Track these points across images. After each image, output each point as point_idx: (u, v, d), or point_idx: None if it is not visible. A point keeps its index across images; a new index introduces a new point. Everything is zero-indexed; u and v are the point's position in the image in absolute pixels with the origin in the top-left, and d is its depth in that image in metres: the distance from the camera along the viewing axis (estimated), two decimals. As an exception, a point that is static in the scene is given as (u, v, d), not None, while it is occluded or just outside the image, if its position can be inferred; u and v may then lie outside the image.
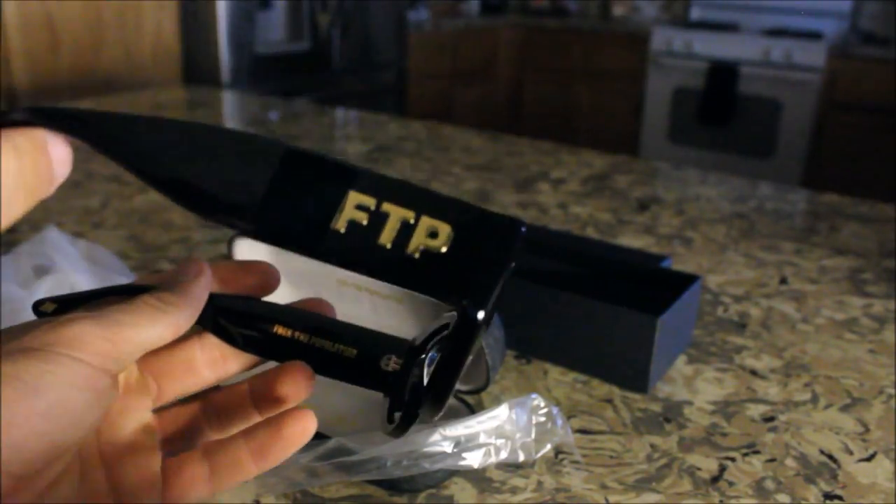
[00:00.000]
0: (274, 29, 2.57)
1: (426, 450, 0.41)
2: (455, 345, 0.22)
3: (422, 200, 0.21)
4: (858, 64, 2.99)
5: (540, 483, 0.47)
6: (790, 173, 3.15)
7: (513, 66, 3.87)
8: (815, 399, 0.58)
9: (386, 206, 0.21)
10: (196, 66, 2.39)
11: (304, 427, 0.27)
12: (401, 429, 0.26)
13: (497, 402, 0.51)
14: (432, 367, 0.25)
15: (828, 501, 0.46)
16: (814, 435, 0.53)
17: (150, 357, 0.27)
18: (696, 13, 3.71)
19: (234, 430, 0.29)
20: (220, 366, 0.29)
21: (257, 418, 0.29)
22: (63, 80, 2.08)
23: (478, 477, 0.47)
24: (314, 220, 0.21)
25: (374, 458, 0.41)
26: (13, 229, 0.72)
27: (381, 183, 0.22)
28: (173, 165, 0.22)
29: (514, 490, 0.46)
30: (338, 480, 0.42)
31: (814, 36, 3.17)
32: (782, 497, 0.47)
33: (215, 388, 0.30)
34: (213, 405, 0.29)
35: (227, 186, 0.22)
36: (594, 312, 0.57)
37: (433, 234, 0.21)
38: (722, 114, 3.28)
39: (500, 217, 0.22)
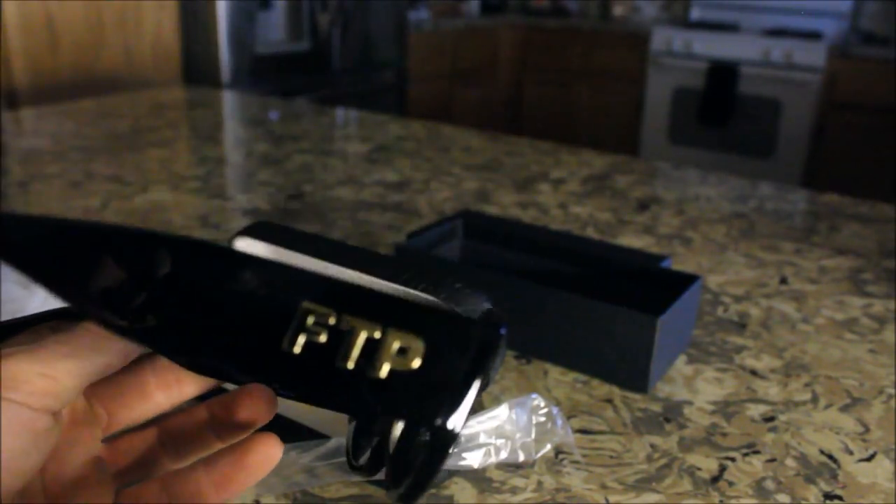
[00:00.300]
0: (274, 29, 2.57)
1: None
2: (431, 458, 0.19)
3: (388, 309, 0.18)
4: (858, 64, 3.00)
5: (540, 483, 0.47)
6: (790, 173, 3.15)
7: (513, 66, 3.87)
8: (815, 399, 0.58)
9: (347, 320, 0.18)
10: (196, 66, 2.39)
11: (268, 454, 0.25)
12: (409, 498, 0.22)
13: (497, 402, 0.51)
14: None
15: (828, 501, 0.46)
16: (814, 435, 0.53)
17: (98, 384, 0.25)
18: (696, 13, 3.71)
19: (194, 458, 0.27)
20: (175, 389, 0.26)
21: (218, 445, 0.27)
22: (63, 80, 2.08)
23: (478, 477, 0.47)
24: (260, 339, 0.18)
25: (374, 458, 0.41)
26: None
27: (338, 290, 0.19)
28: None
29: (514, 490, 0.46)
30: (338, 480, 0.42)
31: (814, 36, 3.17)
32: (782, 497, 0.46)
33: (171, 414, 0.27)
34: (169, 432, 0.27)
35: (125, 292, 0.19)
36: (594, 312, 0.57)
37: (403, 351, 0.18)
38: (722, 114, 3.28)
39: (478, 323, 0.20)
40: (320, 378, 0.18)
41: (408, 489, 0.20)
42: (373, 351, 0.18)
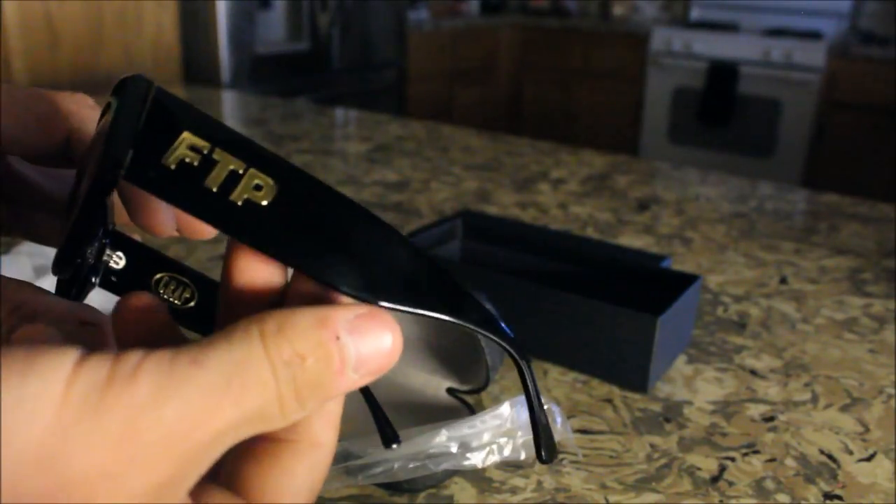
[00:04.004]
0: (274, 29, 2.57)
1: (431, 451, 0.42)
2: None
3: (255, 156, 0.22)
4: (858, 64, 3.00)
5: (540, 483, 0.47)
6: (790, 173, 3.15)
7: (513, 66, 3.88)
8: (814, 399, 0.58)
9: (218, 153, 0.22)
10: (196, 66, 2.39)
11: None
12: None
13: (497, 402, 0.51)
14: None
15: (828, 501, 0.46)
16: (814, 435, 0.53)
17: None
18: (696, 13, 3.71)
19: None
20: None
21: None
22: (63, 79, 2.08)
23: (478, 477, 0.47)
24: (146, 152, 0.21)
25: (380, 461, 0.41)
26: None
27: (220, 131, 0.22)
28: None
29: (514, 490, 0.46)
30: (345, 485, 0.42)
31: (814, 36, 3.17)
32: (782, 497, 0.47)
33: None
34: None
35: None
36: (594, 312, 0.57)
37: (258, 188, 0.22)
38: (722, 114, 3.28)
39: (328, 188, 0.23)
40: (189, 191, 0.21)
41: None
42: (234, 181, 0.21)
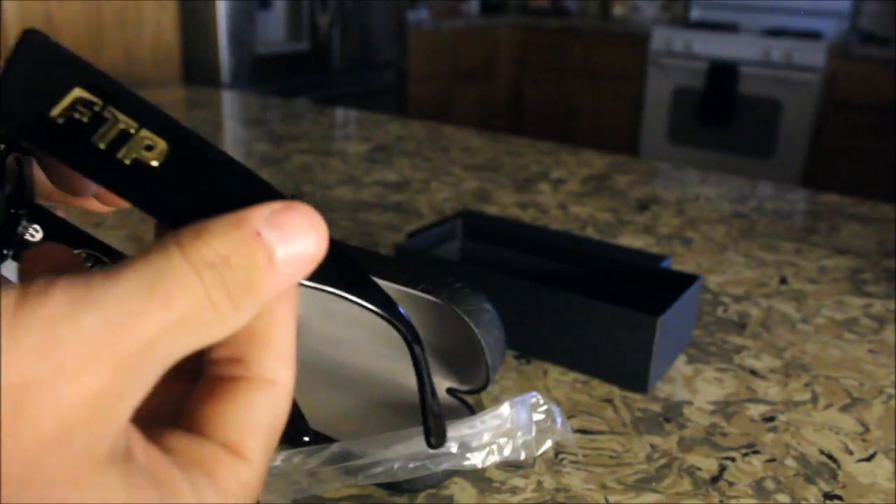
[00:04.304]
0: (274, 29, 2.57)
1: (431, 451, 0.42)
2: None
3: (148, 116, 0.22)
4: (858, 64, 3.00)
5: (540, 483, 0.47)
6: (790, 173, 3.15)
7: (513, 66, 3.88)
8: (814, 399, 0.58)
9: (110, 112, 0.21)
10: (196, 66, 2.39)
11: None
12: None
13: (497, 402, 0.51)
14: None
15: (828, 501, 0.46)
16: (814, 435, 0.53)
17: None
18: (696, 13, 3.71)
19: None
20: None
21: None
22: (63, 80, 2.08)
23: (478, 477, 0.47)
24: (35, 106, 0.21)
25: (380, 461, 0.41)
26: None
27: (114, 90, 0.22)
28: None
29: (514, 490, 0.46)
30: (345, 484, 0.42)
31: (814, 36, 3.17)
32: (782, 497, 0.47)
33: None
34: None
35: None
36: (594, 312, 0.57)
37: (149, 148, 0.21)
38: (722, 114, 3.28)
39: (223, 154, 0.22)
40: (76, 147, 0.21)
41: None
42: (124, 140, 0.21)
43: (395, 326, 0.25)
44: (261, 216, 0.19)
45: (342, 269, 0.23)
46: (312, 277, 0.21)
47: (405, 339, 0.25)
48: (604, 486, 0.47)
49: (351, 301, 0.23)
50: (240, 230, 0.19)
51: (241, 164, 0.22)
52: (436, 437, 0.27)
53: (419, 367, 0.26)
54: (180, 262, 0.18)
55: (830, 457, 0.51)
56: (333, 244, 0.22)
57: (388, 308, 0.24)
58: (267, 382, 0.21)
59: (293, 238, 0.19)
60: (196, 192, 0.21)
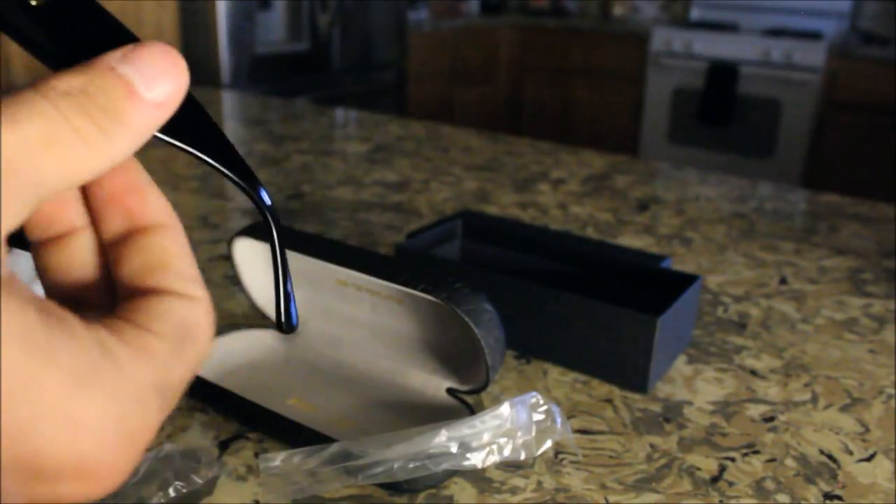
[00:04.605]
0: (274, 29, 2.57)
1: (432, 451, 0.42)
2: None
3: None
4: (858, 64, 3.00)
5: (540, 483, 0.47)
6: (790, 173, 3.15)
7: (513, 66, 3.88)
8: (814, 399, 0.58)
9: None
10: (196, 66, 2.39)
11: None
12: None
13: (497, 402, 0.51)
14: None
15: (828, 501, 0.46)
16: (814, 435, 0.53)
17: None
18: (696, 13, 3.71)
19: None
20: None
21: None
22: (63, 80, 2.08)
23: (478, 477, 0.47)
24: None
25: (380, 461, 0.41)
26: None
27: None
28: None
29: (514, 490, 0.46)
30: (345, 484, 0.42)
31: (814, 36, 3.17)
32: (782, 497, 0.47)
33: None
34: None
35: None
36: (594, 312, 0.57)
37: None
38: (722, 114, 3.28)
39: (103, 9, 0.22)
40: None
41: None
42: None
43: (253, 201, 0.25)
44: (114, 56, 0.19)
45: (207, 131, 0.23)
46: (172, 132, 0.22)
47: (263, 215, 0.25)
48: (604, 486, 0.47)
49: (211, 165, 0.23)
50: (92, 69, 0.19)
51: (118, 20, 0.22)
52: (286, 322, 0.27)
53: (274, 245, 0.25)
54: (31, 94, 0.18)
55: (830, 457, 0.51)
56: (191, 100, 0.22)
57: (248, 180, 0.24)
58: (181, 295, 0.22)
59: (152, 65, 0.20)
60: (71, 36, 0.21)
